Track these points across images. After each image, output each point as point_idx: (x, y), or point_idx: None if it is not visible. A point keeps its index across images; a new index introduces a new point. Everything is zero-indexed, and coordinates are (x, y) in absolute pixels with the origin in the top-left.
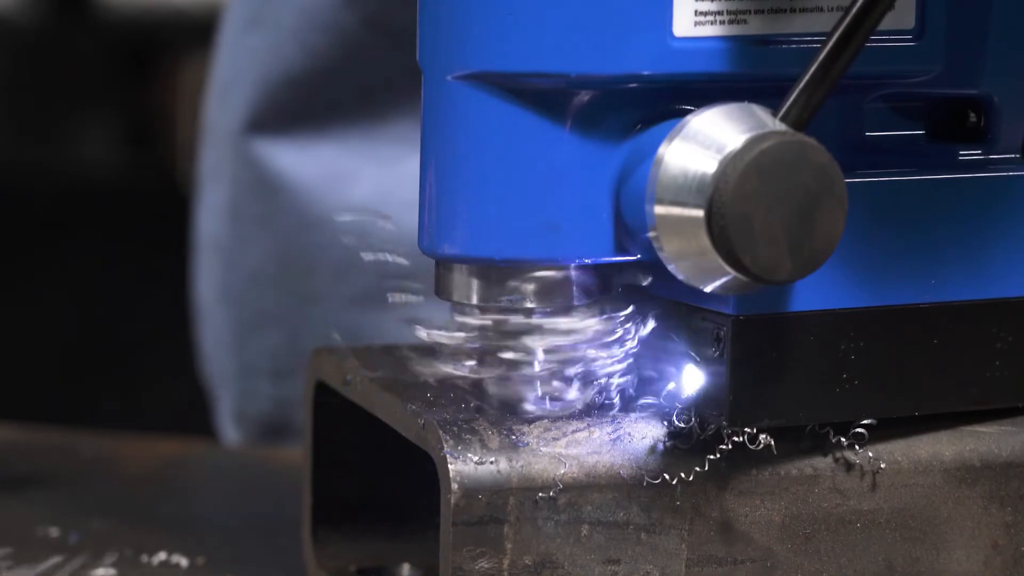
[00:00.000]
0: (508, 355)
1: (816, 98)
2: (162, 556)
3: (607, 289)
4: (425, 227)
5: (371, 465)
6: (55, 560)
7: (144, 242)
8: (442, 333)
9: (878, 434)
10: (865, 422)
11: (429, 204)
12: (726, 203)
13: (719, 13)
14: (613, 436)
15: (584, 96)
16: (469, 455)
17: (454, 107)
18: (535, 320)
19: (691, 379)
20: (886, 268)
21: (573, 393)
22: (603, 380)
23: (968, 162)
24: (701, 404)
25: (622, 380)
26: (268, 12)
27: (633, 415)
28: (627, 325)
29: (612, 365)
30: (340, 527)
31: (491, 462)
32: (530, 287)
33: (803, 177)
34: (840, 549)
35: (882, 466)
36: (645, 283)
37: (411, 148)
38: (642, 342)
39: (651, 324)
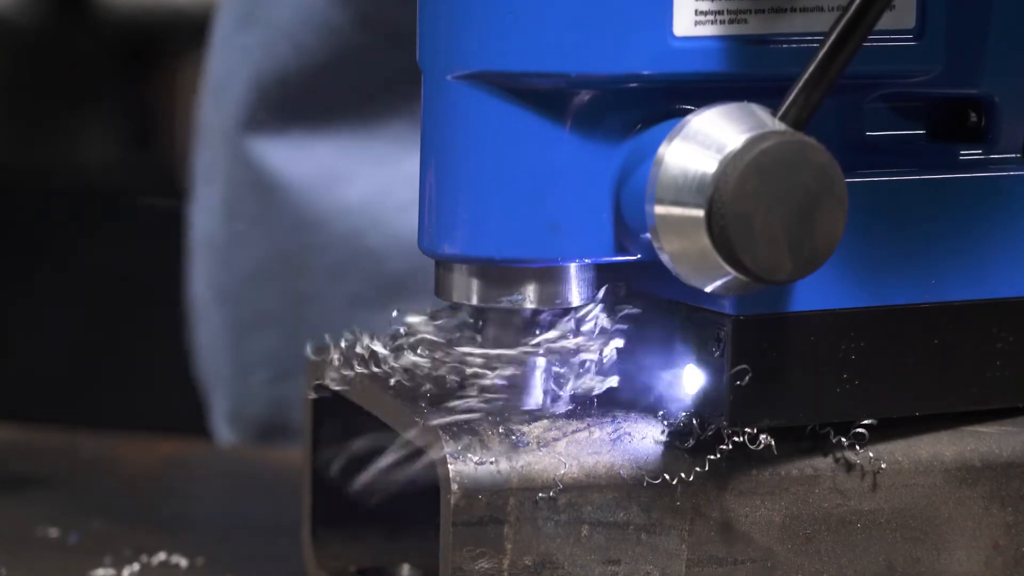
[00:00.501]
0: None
1: (815, 97)
2: (162, 556)
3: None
4: (425, 227)
5: (371, 465)
6: (54, 560)
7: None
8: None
9: (878, 434)
10: (865, 422)
11: (429, 204)
12: (726, 203)
13: (719, 13)
14: (613, 436)
15: (584, 96)
16: (469, 455)
17: (454, 107)
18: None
19: (691, 379)
20: (886, 268)
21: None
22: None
23: (968, 162)
24: (701, 404)
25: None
26: (260, 11)
27: (633, 415)
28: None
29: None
30: (340, 527)
31: (491, 462)
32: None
33: (803, 177)
34: (840, 549)
35: (883, 466)
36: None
37: (406, 148)
38: (643, 342)
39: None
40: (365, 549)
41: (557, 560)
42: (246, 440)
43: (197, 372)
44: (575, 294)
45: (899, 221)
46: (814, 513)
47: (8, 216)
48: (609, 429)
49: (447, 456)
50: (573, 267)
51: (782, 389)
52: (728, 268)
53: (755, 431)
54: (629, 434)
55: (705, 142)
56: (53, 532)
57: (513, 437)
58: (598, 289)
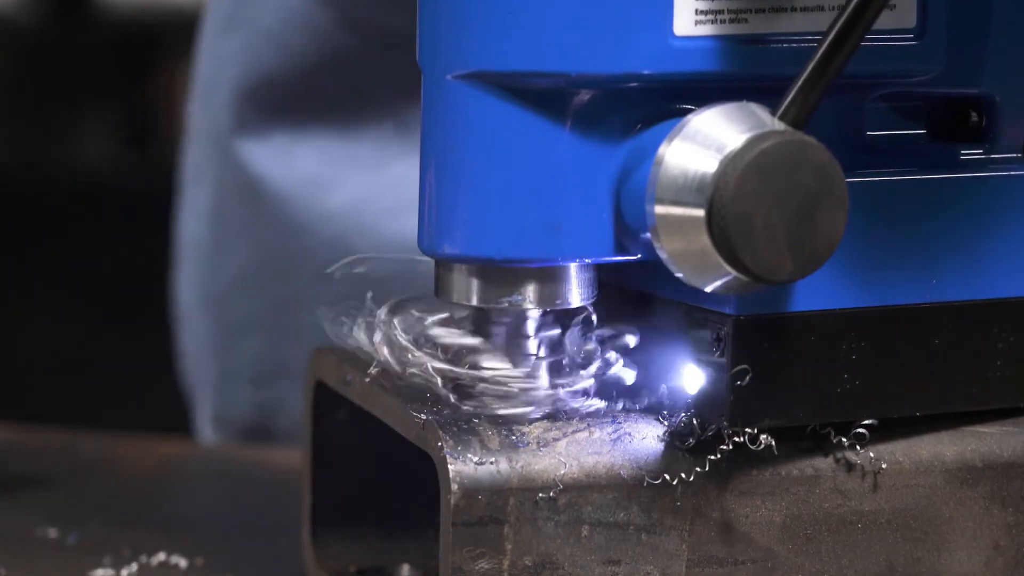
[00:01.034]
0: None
1: (814, 96)
2: (161, 557)
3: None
4: (425, 227)
5: (371, 465)
6: (54, 561)
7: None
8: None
9: (879, 434)
10: (866, 422)
11: (429, 204)
12: (726, 203)
13: (719, 12)
14: (613, 436)
15: (584, 95)
16: (469, 455)
17: (454, 107)
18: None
19: (691, 379)
20: (887, 268)
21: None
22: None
23: (969, 162)
24: (701, 404)
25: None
26: (244, 13)
27: (633, 415)
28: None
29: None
30: (340, 528)
31: (491, 462)
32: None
33: (804, 177)
34: (841, 550)
35: (883, 466)
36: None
37: (392, 153)
38: (643, 342)
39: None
40: (365, 549)
41: (557, 560)
42: (230, 444)
43: (182, 375)
44: (575, 294)
45: (900, 221)
46: (815, 513)
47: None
48: (609, 429)
49: (447, 456)
50: (573, 267)
51: (783, 389)
52: (728, 268)
53: (755, 431)
54: (629, 434)
55: (705, 142)
56: (52, 532)
57: (513, 437)
58: (598, 289)
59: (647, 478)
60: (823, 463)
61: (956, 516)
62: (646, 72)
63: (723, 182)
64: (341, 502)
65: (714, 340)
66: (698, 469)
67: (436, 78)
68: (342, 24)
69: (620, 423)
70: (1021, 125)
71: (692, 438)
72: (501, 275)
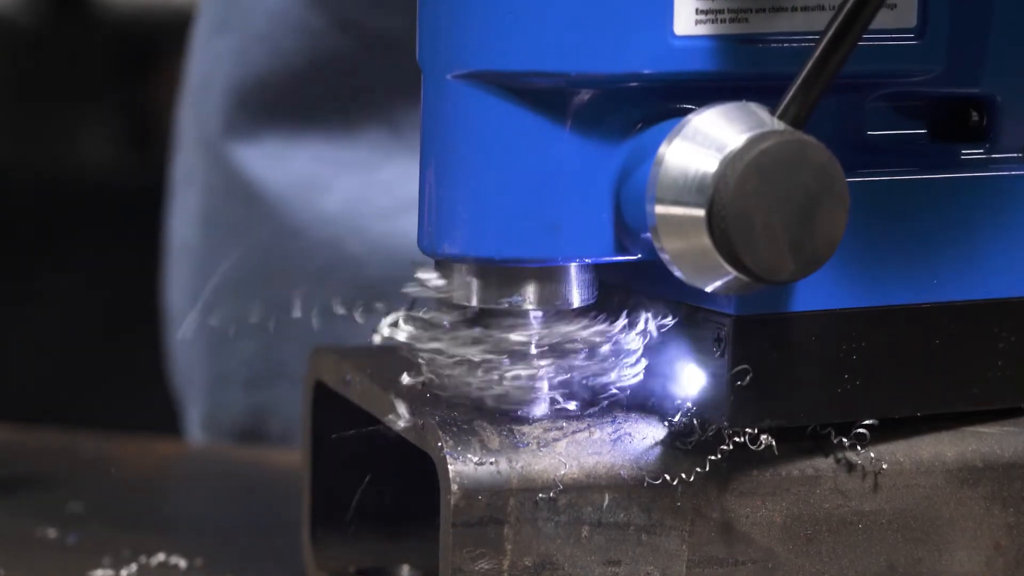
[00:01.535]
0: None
1: (813, 95)
2: (160, 557)
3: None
4: (425, 227)
5: (370, 465)
6: (53, 561)
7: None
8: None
9: (880, 435)
10: (867, 422)
11: (429, 204)
12: (727, 203)
13: (720, 11)
14: (613, 436)
15: (584, 95)
16: (469, 455)
17: (454, 106)
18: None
19: (692, 379)
20: (888, 268)
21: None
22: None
23: (970, 161)
24: (702, 404)
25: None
26: (235, 15)
27: (633, 415)
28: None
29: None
30: (339, 528)
31: (491, 463)
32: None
33: (804, 176)
34: (842, 550)
35: (884, 467)
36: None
37: (385, 155)
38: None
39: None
40: (365, 549)
41: (557, 561)
42: (225, 444)
43: (171, 378)
44: (575, 294)
45: (900, 221)
46: (815, 514)
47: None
48: (609, 430)
49: (447, 456)
50: (573, 267)
51: (783, 389)
52: (729, 268)
53: (756, 431)
54: (629, 434)
55: (705, 142)
56: (52, 533)
57: (513, 437)
58: (598, 290)
59: (647, 478)
60: (823, 463)
61: (957, 516)
62: (646, 72)
63: (723, 183)
64: (341, 502)
65: (714, 340)
66: (698, 470)
67: (436, 78)
68: (334, 26)
69: (620, 423)
70: (1022, 125)
71: (692, 438)
72: (501, 275)
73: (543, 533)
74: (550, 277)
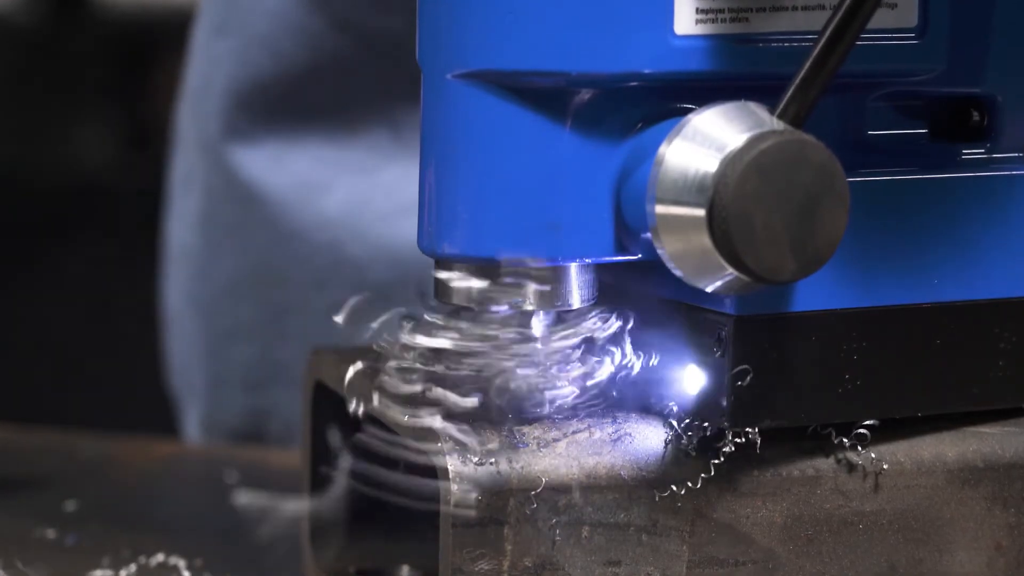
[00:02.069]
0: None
1: (812, 94)
2: (160, 558)
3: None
4: (424, 226)
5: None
6: (52, 562)
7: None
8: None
9: (880, 435)
10: (867, 423)
11: (428, 203)
12: (727, 204)
13: (720, 11)
14: (614, 437)
15: (584, 95)
16: (469, 455)
17: (454, 106)
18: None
19: (692, 379)
20: (888, 268)
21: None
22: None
23: (971, 161)
24: (702, 404)
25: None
26: (235, 18)
27: (634, 416)
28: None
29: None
30: (339, 528)
31: (491, 463)
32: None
33: (804, 176)
34: (842, 551)
35: (884, 467)
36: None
37: (385, 158)
38: (643, 343)
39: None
40: (364, 550)
41: (557, 561)
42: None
43: (169, 380)
44: (575, 295)
45: (901, 221)
46: (816, 514)
47: (5, 215)
48: (610, 430)
49: (447, 456)
50: (573, 267)
51: (784, 389)
52: (730, 268)
53: (756, 431)
54: (630, 435)
55: (705, 142)
56: (51, 533)
57: (513, 437)
58: (598, 290)
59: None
60: (824, 464)
61: (958, 517)
62: (646, 71)
63: (723, 183)
64: (340, 503)
65: (715, 340)
66: (703, 476)
67: (436, 77)
68: (334, 28)
69: (620, 423)
70: (1022, 124)
71: (693, 439)
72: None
73: (543, 533)
74: (550, 278)
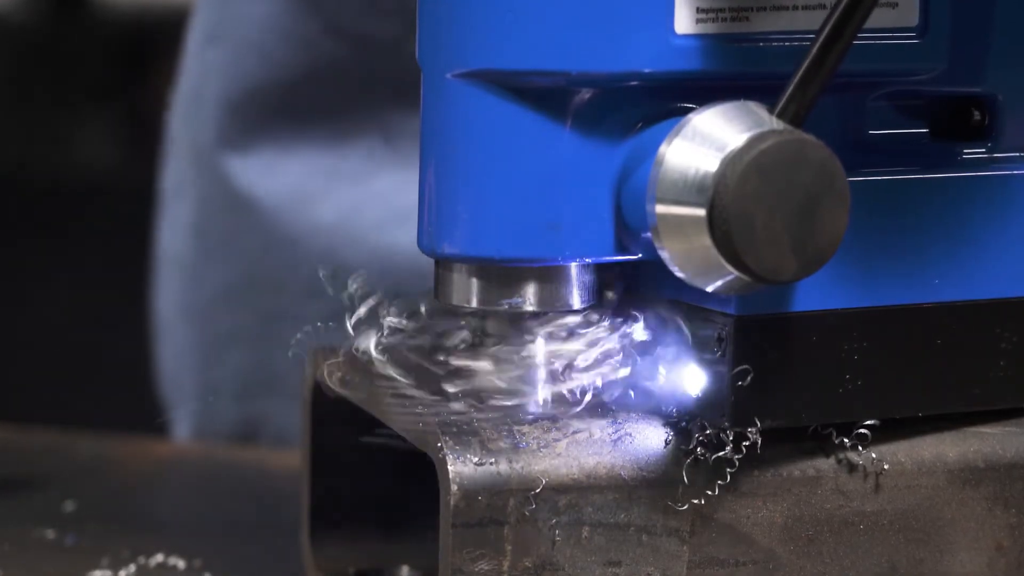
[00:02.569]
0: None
1: (811, 93)
2: (159, 558)
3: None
4: (424, 227)
5: (369, 466)
6: (52, 562)
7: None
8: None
9: (881, 435)
10: (868, 423)
11: (428, 203)
12: (728, 204)
13: (721, 10)
14: (614, 437)
15: (585, 94)
16: (469, 456)
17: (454, 106)
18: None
19: (692, 379)
20: (889, 268)
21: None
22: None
23: (972, 160)
24: (702, 404)
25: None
26: (228, 24)
27: (634, 416)
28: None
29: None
30: (338, 529)
31: (491, 463)
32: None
33: (804, 175)
34: (843, 551)
35: (885, 467)
36: None
37: (379, 165)
38: (643, 342)
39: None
40: (364, 550)
41: (557, 562)
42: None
43: (158, 387)
44: (576, 295)
45: (902, 220)
46: (816, 514)
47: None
48: (610, 430)
49: (447, 457)
50: (573, 267)
51: (784, 389)
52: (730, 268)
53: (757, 431)
54: (630, 435)
55: (705, 142)
56: (50, 534)
57: (513, 437)
58: (598, 290)
59: (647, 479)
60: (825, 464)
61: (958, 517)
62: (647, 71)
63: (723, 184)
64: (340, 503)
65: (715, 340)
66: (720, 482)
67: (436, 77)
68: (326, 35)
69: (620, 423)
70: (1023, 124)
71: (693, 439)
72: (501, 275)
73: (543, 534)
74: (550, 277)
